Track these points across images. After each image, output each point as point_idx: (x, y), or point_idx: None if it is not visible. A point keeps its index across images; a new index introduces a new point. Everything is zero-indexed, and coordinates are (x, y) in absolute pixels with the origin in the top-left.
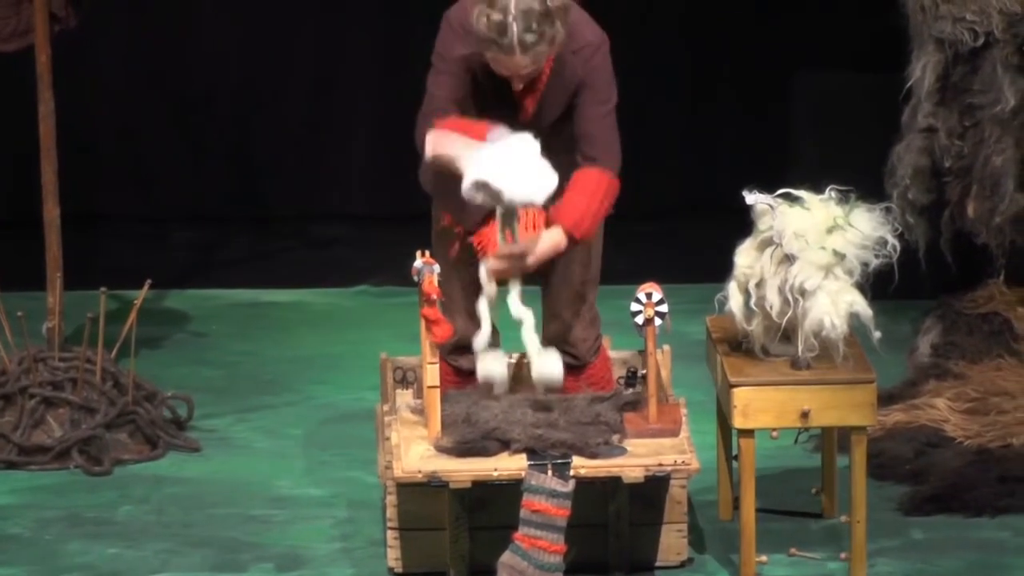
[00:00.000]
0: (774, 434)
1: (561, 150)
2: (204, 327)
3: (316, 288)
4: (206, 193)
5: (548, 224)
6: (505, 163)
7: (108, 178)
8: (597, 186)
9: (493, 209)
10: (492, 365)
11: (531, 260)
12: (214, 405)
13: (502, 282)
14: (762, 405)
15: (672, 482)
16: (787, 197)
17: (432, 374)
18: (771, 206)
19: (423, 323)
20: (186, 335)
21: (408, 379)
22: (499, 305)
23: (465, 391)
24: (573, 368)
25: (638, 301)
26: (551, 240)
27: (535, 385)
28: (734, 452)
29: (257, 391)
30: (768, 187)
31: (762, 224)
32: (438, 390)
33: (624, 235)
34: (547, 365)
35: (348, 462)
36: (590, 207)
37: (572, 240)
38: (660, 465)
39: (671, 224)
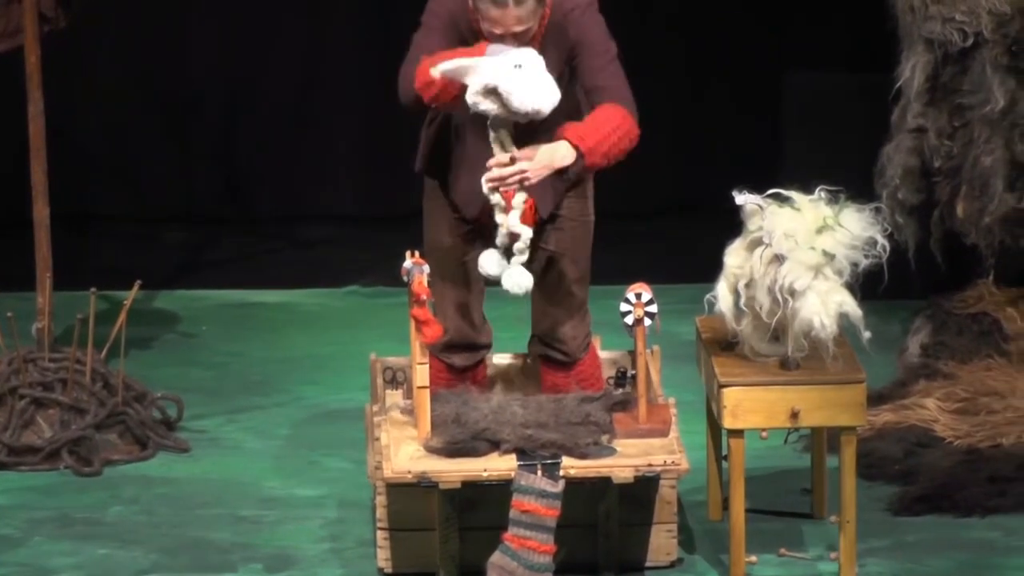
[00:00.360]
0: (764, 434)
1: (553, 126)
2: (194, 328)
3: (306, 289)
4: (196, 194)
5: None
6: (513, 71)
7: (98, 178)
8: (613, 115)
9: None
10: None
11: (531, 169)
12: (204, 406)
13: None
14: (752, 405)
15: (662, 482)
16: (777, 197)
17: (422, 374)
18: (761, 206)
19: (413, 323)
20: (176, 336)
21: (398, 379)
22: (491, 302)
23: (455, 391)
24: (563, 365)
25: (627, 301)
26: (554, 150)
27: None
28: (724, 452)
29: (246, 392)
30: (758, 187)
31: (752, 224)
32: (428, 390)
33: (614, 235)
34: (518, 277)
35: (338, 462)
36: (601, 130)
37: (578, 159)
38: (650, 465)
39: (661, 224)
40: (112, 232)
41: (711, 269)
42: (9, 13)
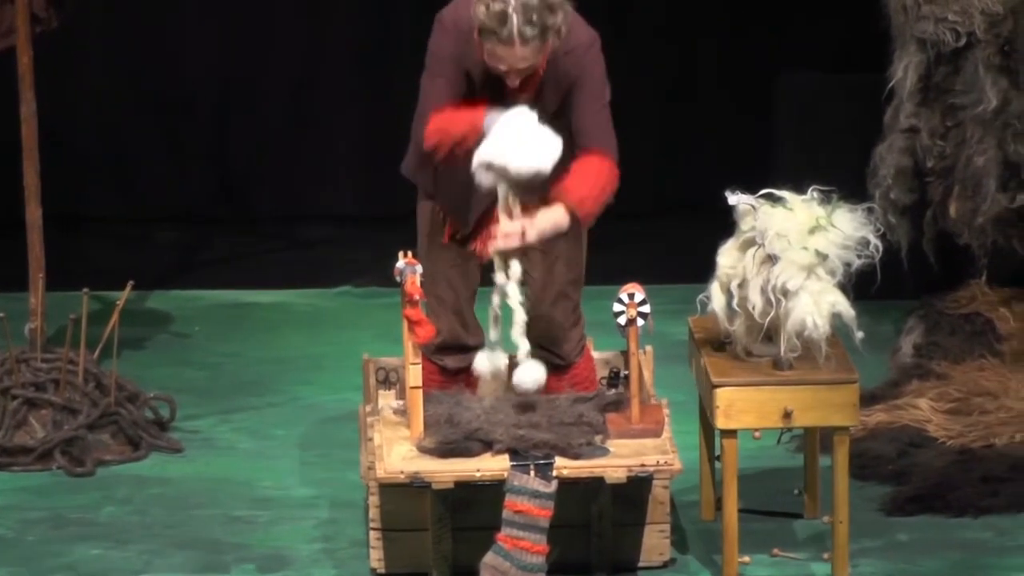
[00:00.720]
0: (756, 434)
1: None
2: (187, 328)
3: (299, 289)
4: (189, 194)
5: (550, 204)
6: (505, 139)
7: (90, 179)
8: (599, 170)
9: (489, 209)
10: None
11: (532, 234)
12: (197, 406)
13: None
14: (744, 405)
15: (655, 482)
16: (769, 197)
17: (415, 375)
18: (753, 206)
19: (405, 324)
20: (169, 336)
21: (391, 380)
22: (483, 303)
23: (448, 392)
24: (557, 368)
25: (620, 302)
26: (554, 216)
27: (514, 387)
28: (716, 452)
29: (240, 392)
30: (751, 187)
31: (745, 224)
32: (421, 391)
33: (606, 236)
34: (530, 373)
35: (331, 463)
36: (593, 187)
37: (574, 219)
38: (643, 466)
39: (653, 224)
40: (105, 232)
41: (704, 269)
42: (1, 14)
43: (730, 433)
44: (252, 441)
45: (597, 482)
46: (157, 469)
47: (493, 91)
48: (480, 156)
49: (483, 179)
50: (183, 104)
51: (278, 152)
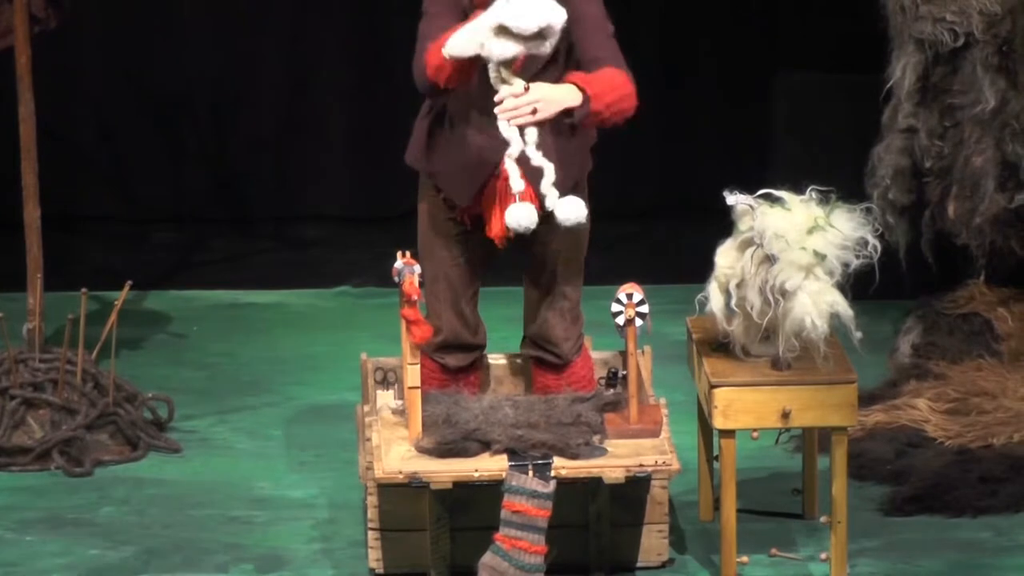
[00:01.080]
0: (755, 435)
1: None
2: (185, 328)
3: (296, 289)
4: (187, 194)
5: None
6: (511, 3)
7: (89, 179)
8: (615, 75)
9: (489, 183)
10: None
11: (540, 102)
12: (194, 406)
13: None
14: (743, 405)
15: (653, 483)
16: (768, 197)
17: (413, 375)
18: (752, 206)
19: (403, 324)
20: (166, 336)
21: (389, 380)
22: (484, 302)
23: (446, 392)
24: (555, 367)
25: (619, 302)
26: (563, 90)
27: (560, 224)
28: (715, 453)
29: (238, 392)
30: (748, 187)
31: (743, 224)
32: (419, 391)
33: (604, 236)
34: (572, 207)
35: (329, 463)
36: (605, 82)
37: (584, 102)
38: (641, 466)
39: (651, 224)
40: (103, 232)
41: (701, 270)
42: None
43: (728, 433)
44: (250, 441)
45: (595, 482)
46: (155, 469)
47: None
48: (487, 20)
49: (495, 49)
50: (181, 104)
51: (276, 151)
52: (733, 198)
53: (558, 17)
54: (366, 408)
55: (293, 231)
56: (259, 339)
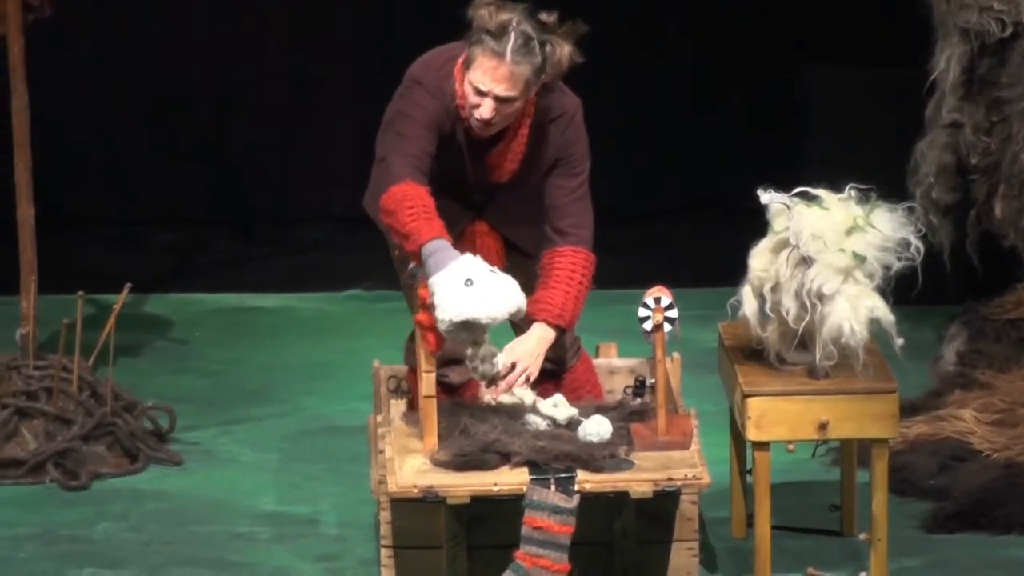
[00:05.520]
0: (790, 447)
1: (523, 203)
2: (187, 334)
3: (304, 293)
4: (189, 193)
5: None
6: (466, 291)
7: (85, 178)
8: (572, 269)
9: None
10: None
11: (527, 369)
12: (197, 416)
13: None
14: (777, 416)
15: (682, 497)
16: (804, 196)
17: (428, 383)
18: (787, 206)
19: (417, 330)
20: (167, 342)
21: (403, 388)
22: None
23: (463, 401)
24: (551, 374)
25: (646, 306)
26: (537, 340)
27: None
28: (748, 466)
29: (243, 401)
30: (783, 186)
31: (778, 225)
32: (435, 400)
33: (629, 238)
34: (599, 425)
35: (338, 477)
36: (569, 293)
37: (560, 329)
38: (669, 479)
39: (680, 225)
40: (100, 233)
41: (734, 272)
42: None
43: (762, 445)
44: (255, 453)
45: (621, 497)
46: (155, 483)
47: (474, 154)
48: (446, 314)
49: (459, 339)
50: (181, 100)
51: (280, 149)
52: (767, 196)
53: (521, 298)
54: (379, 418)
55: (301, 232)
56: (265, 345)
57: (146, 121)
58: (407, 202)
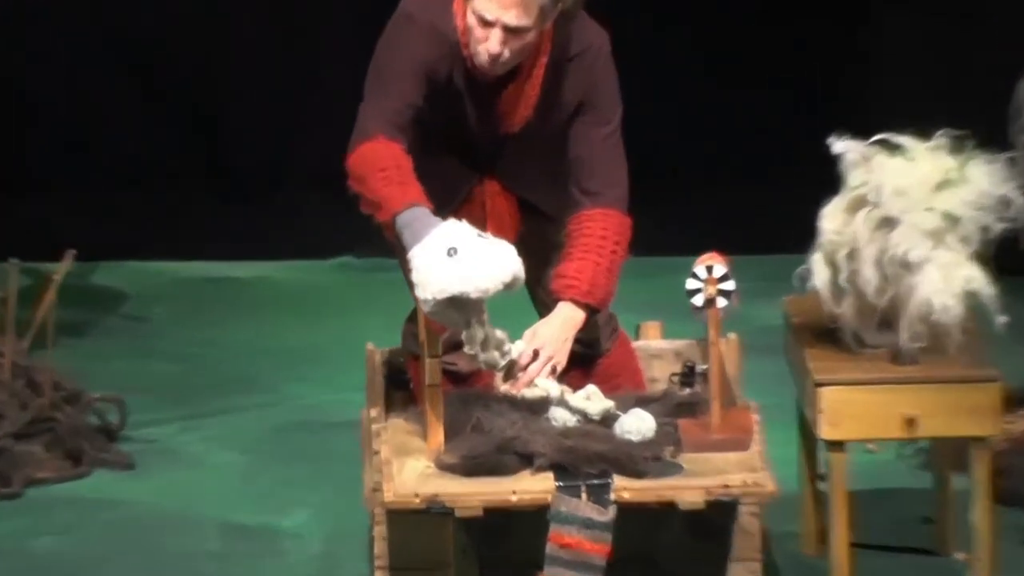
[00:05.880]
0: (871, 447)
1: (539, 156)
2: (145, 310)
3: (285, 260)
4: (150, 148)
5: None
6: (449, 261)
7: (34, 131)
8: (604, 235)
9: (458, 208)
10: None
11: (553, 357)
12: (156, 409)
13: None
14: (856, 410)
15: (741, 508)
16: (885, 145)
17: (433, 370)
18: (865, 156)
19: (420, 307)
20: (121, 320)
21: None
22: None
23: (475, 391)
24: (582, 360)
25: (696, 277)
26: (564, 321)
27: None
28: (821, 470)
29: (211, 391)
30: (859, 132)
31: (854, 179)
32: (440, 390)
33: (677, 198)
34: (641, 420)
35: (326, 482)
36: (600, 264)
37: (590, 309)
38: (725, 487)
39: (736, 184)
40: (47, 191)
41: (801, 236)
42: None
43: (838, 445)
44: (225, 454)
45: (667, 508)
46: (105, 490)
47: (480, 102)
48: (429, 290)
49: (445, 318)
50: (149, 43)
51: (261, 101)
52: (842, 145)
53: (518, 263)
54: (373, 412)
55: (279, 189)
56: (238, 324)
57: (108, 66)
58: (378, 163)
